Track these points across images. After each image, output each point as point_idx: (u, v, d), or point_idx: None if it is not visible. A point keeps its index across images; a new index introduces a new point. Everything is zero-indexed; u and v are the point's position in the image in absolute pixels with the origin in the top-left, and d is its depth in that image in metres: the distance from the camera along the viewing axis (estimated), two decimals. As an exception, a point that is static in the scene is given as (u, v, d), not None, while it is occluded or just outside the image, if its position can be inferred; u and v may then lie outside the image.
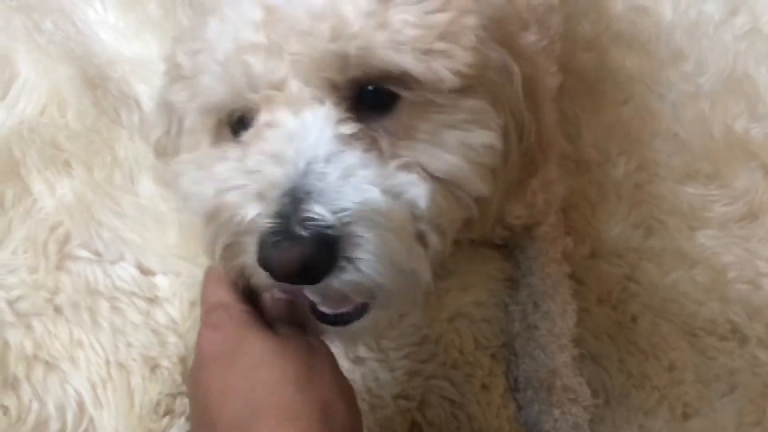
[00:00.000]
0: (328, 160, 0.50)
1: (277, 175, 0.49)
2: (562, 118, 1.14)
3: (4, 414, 0.71)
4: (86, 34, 0.96)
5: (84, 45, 0.94)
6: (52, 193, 0.82)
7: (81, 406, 0.73)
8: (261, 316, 0.57)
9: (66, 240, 0.80)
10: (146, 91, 0.92)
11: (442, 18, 0.54)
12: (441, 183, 0.54)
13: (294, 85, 0.52)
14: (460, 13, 0.55)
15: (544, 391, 0.85)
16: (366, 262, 0.48)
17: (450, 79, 0.53)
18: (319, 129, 0.51)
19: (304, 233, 0.46)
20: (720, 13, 1.35)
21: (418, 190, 0.51)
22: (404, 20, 0.52)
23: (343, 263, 0.47)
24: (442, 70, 0.53)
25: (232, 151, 0.55)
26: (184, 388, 0.75)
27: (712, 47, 1.31)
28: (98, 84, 0.90)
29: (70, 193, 0.82)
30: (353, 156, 0.50)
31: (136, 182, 0.85)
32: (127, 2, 0.99)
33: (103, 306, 0.78)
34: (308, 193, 0.48)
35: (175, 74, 0.61)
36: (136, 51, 0.96)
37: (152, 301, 0.80)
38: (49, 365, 0.75)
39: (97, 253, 0.81)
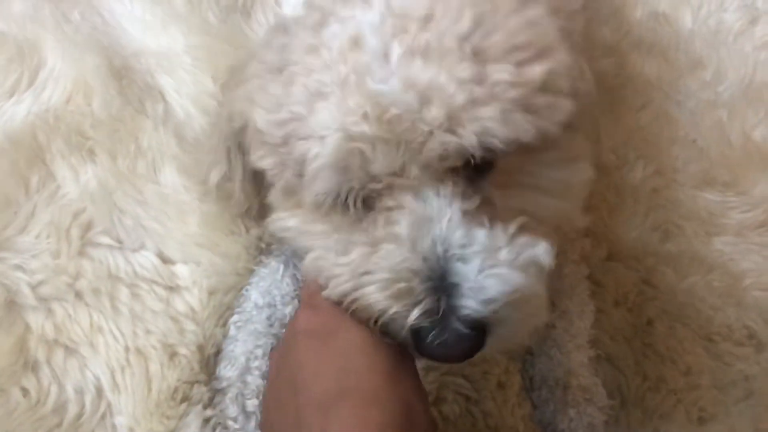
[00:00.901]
0: (464, 245, 0.52)
1: (419, 267, 0.52)
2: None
3: (24, 396, 0.71)
4: (113, 26, 0.97)
5: (110, 36, 0.95)
6: (76, 180, 0.82)
7: (99, 391, 0.74)
8: None
9: (89, 226, 0.81)
10: (171, 84, 0.93)
11: (537, 70, 0.53)
12: (548, 225, 0.57)
13: (414, 170, 0.53)
14: (551, 56, 0.54)
15: (559, 390, 0.85)
16: (510, 332, 0.53)
17: (555, 131, 0.54)
18: (446, 211, 0.53)
19: (465, 330, 0.50)
20: (740, 23, 1.35)
21: (546, 257, 0.54)
22: (503, 80, 0.51)
23: (490, 339, 0.52)
24: (548, 125, 0.53)
25: (358, 235, 0.57)
26: (201, 377, 0.76)
27: (731, 56, 1.31)
28: (123, 74, 0.91)
29: (93, 180, 0.83)
30: (483, 234, 0.52)
31: (158, 171, 0.86)
32: (152, -4, 1.00)
33: (123, 293, 0.79)
34: (456, 286, 0.51)
35: (256, 138, 0.61)
36: (161, 44, 0.97)
37: (172, 289, 0.81)
38: (69, 349, 0.75)
39: (119, 241, 0.82)
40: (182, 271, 0.82)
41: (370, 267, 0.55)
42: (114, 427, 0.72)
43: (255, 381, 0.77)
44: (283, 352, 0.59)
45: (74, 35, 0.92)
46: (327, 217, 0.60)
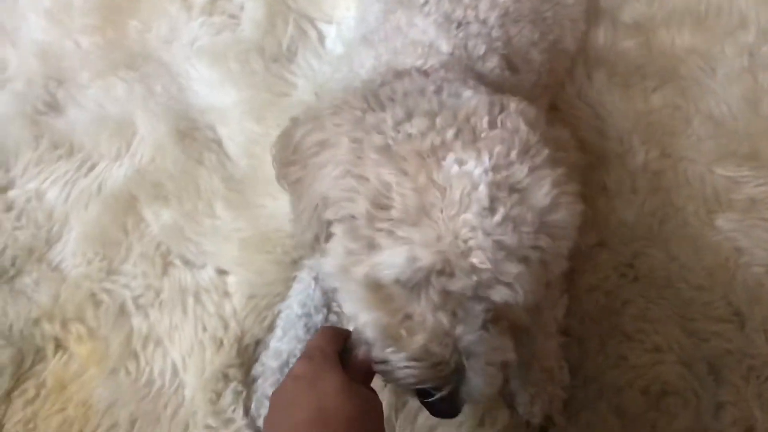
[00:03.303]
0: (477, 347, 0.72)
1: (454, 359, 0.72)
2: (592, 113, 1.21)
3: (127, 374, 1.06)
4: (186, 90, 1.27)
5: (182, 102, 1.25)
6: (157, 220, 1.15)
7: (174, 371, 1.06)
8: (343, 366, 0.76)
9: (167, 254, 1.14)
10: (226, 133, 1.23)
11: (567, 244, 0.74)
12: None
13: (469, 292, 0.70)
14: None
15: (523, 370, 1.01)
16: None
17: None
18: (477, 322, 0.72)
19: (460, 408, 0.74)
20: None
21: (512, 356, 0.76)
22: (548, 250, 0.70)
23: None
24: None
25: (415, 321, 0.74)
26: (237, 361, 1.05)
27: (784, 9, 1.26)
28: (187, 134, 1.22)
29: (169, 219, 1.15)
30: (487, 338, 0.72)
31: (213, 208, 1.16)
32: (214, 59, 1.29)
33: (191, 300, 1.11)
34: (466, 379, 0.72)
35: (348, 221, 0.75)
36: (221, 100, 1.26)
37: (223, 295, 1.11)
38: (157, 342, 1.08)
39: (188, 262, 1.14)
40: (231, 281, 1.12)
41: (429, 350, 0.71)
42: (183, 396, 1.05)
43: None
44: (278, 391, 0.76)
45: (156, 107, 1.24)
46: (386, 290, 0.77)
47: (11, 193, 1.19)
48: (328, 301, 1.09)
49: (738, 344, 1.02)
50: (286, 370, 1.03)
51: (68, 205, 1.18)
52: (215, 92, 1.27)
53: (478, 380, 0.72)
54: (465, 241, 0.67)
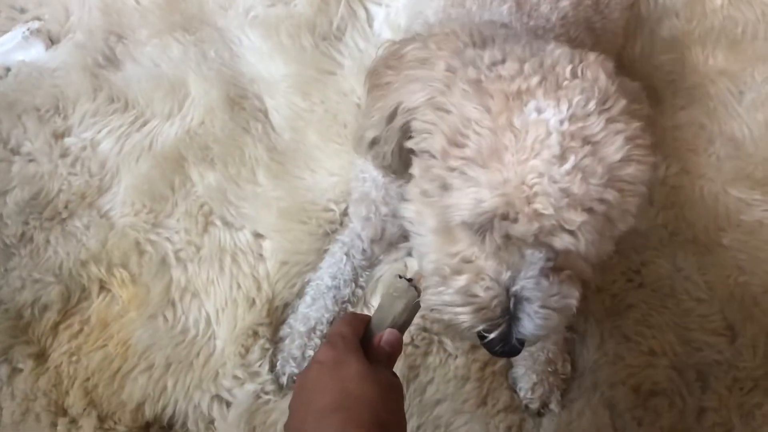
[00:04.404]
0: (533, 291, 0.74)
1: (504, 303, 0.75)
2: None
3: (165, 322, 1.15)
4: (238, 57, 1.34)
5: (233, 69, 1.33)
6: (202, 181, 1.23)
7: (208, 322, 1.16)
8: (365, 352, 0.80)
9: (209, 213, 1.22)
10: (273, 104, 1.30)
11: (634, 202, 0.72)
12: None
13: (530, 239, 0.71)
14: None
15: (530, 359, 1.10)
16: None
17: None
18: (534, 268, 0.74)
19: (518, 346, 0.76)
20: None
21: (575, 303, 0.77)
22: (612, 203, 0.70)
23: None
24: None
25: (469, 263, 0.77)
26: (266, 321, 1.15)
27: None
28: (236, 102, 1.29)
29: (213, 181, 1.23)
30: (546, 284, 0.74)
31: (255, 175, 1.24)
32: (266, 30, 1.35)
33: (228, 259, 1.20)
34: (520, 320, 0.75)
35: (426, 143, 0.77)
36: (270, 71, 1.32)
37: (258, 258, 1.20)
38: (194, 294, 1.17)
39: (228, 223, 1.22)
40: (267, 245, 1.21)
41: (470, 291, 0.75)
42: (214, 346, 1.14)
43: (315, 340, 1.12)
44: (304, 375, 0.80)
45: (208, 72, 1.31)
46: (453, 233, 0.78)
47: (68, 140, 1.28)
48: (356, 276, 1.19)
49: (727, 356, 1.10)
50: (312, 335, 1.13)
51: (120, 157, 1.26)
52: (265, 63, 1.34)
53: (530, 323, 0.74)
54: (530, 187, 0.68)
